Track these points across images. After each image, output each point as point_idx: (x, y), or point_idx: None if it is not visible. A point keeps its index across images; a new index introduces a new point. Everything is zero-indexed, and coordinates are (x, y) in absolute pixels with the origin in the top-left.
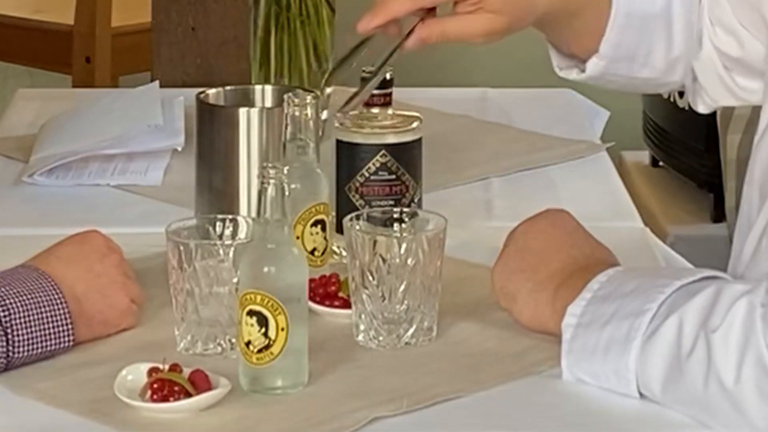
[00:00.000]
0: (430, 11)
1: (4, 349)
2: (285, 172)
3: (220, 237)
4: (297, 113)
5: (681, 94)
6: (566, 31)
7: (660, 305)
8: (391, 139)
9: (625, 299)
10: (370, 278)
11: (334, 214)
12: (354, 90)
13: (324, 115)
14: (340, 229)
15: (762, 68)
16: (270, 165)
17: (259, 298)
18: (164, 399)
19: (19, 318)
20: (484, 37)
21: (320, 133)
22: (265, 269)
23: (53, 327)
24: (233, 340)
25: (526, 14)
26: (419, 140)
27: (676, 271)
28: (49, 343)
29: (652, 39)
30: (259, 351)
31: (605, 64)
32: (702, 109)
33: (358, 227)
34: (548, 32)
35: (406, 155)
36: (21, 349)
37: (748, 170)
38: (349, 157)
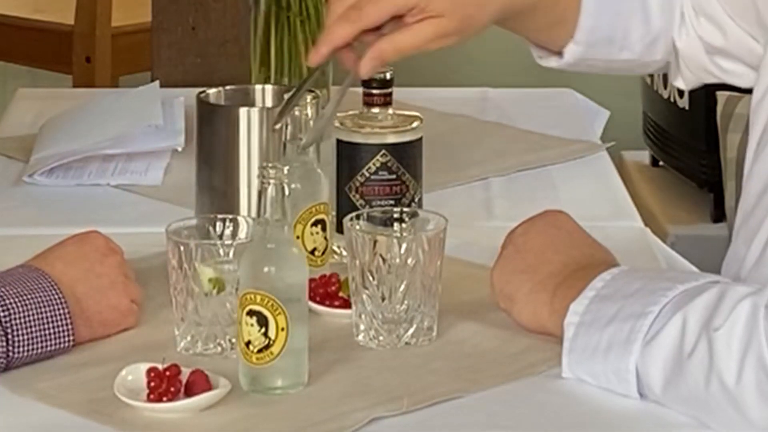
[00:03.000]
0: (376, 29)
1: (4, 349)
2: (285, 172)
3: (220, 237)
4: (297, 113)
5: (681, 93)
6: (532, 25)
7: (662, 308)
8: (392, 139)
9: (628, 300)
10: (370, 278)
11: (334, 213)
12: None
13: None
14: (340, 229)
15: (743, 56)
16: (270, 165)
17: (259, 298)
18: (163, 399)
19: (19, 318)
20: (436, 42)
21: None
22: (265, 269)
23: (53, 327)
24: (233, 340)
25: (477, 13)
26: (419, 140)
27: (680, 274)
28: (49, 343)
29: (628, 20)
30: (259, 351)
31: (583, 49)
32: (681, 85)
33: (358, 227)
34: (513, 28)
35: (406, 155)
36: (21, 349)
37: (746, 172)
38: (349, 157)
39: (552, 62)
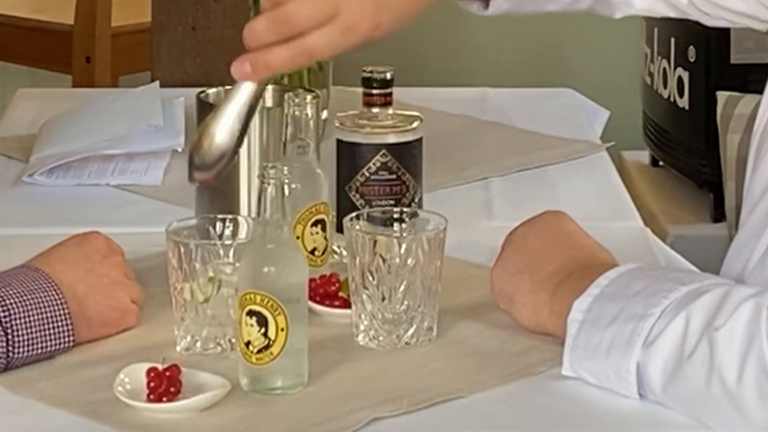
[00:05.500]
0: None
1: (4, 350)
2: (285, 172)
3: (220, 237)
4: (297, 113)
5: (681, 93)
6: None
7: (664, 310)
8: (392, 139)
9: (631, 300)
10: (370, 278)
11: (334, 213)
12: None
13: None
14: (340, 229)
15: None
16: (270, 165)
17: (258, 298)
18: (163, 399)
19: (20, 318)
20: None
21: (320, 133)
22: (265, 269)
23: (53, 327)
24: (233, 340)
25: (409, 15)
26: (419, 140)
27: (684, 275)
28: (49, 343)
29: None
30: (259, 351)
31: (509, 5)
32: (620, 16)
33: (358, 227)
34: None
35: (406, 155)
36: (21, 349)
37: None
38: (349, 156)
39: (473, 8)
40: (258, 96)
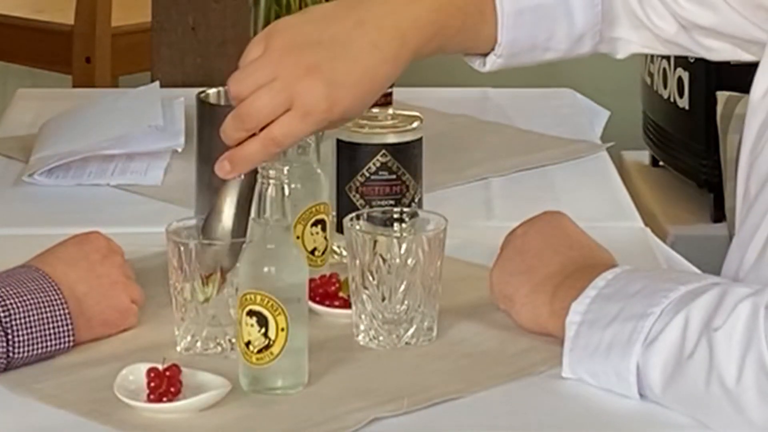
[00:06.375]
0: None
1: (4, 350)
2: (285, 172)
3: None
4: None
5: (681, 93)
6: (455, 50)
7: (663, 309)
8: (392, 139)
9: (630, 300)
10: (370, 278)
11: (334, 213)
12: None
13: None
14: (340, 229)
15: (734, 34)
16: (270, 165)
17: (259, 298)
18: (163, 399)
19: (20, 318)
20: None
21: (320, 133)
22: (265, 269)
23: (53, 328)
24: (233, 340)
25: (368, 93)
26: (419, 140)
27: (683, 275)
28: (49, 343)
29: (551, 26)
30: (259, 351)
31: (504, 60)
32: (622, 56)
33: (358, 227)
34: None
35: (406, 155)
36: (21, 349)
37: (742, 173)
38: (349, 156)
39: (475, 64)
40: (250, 187)
